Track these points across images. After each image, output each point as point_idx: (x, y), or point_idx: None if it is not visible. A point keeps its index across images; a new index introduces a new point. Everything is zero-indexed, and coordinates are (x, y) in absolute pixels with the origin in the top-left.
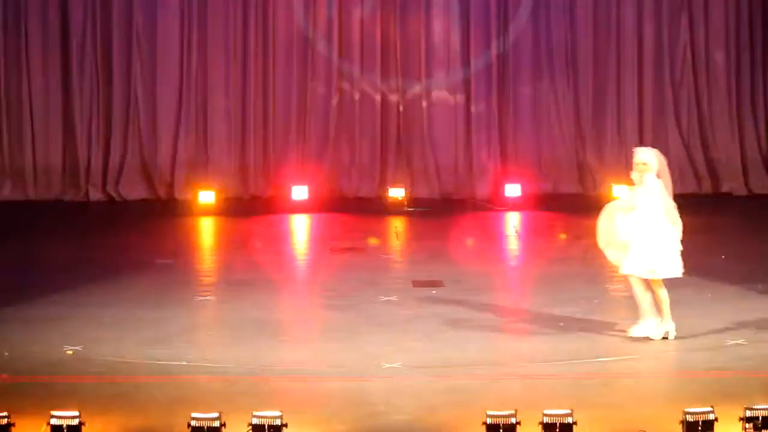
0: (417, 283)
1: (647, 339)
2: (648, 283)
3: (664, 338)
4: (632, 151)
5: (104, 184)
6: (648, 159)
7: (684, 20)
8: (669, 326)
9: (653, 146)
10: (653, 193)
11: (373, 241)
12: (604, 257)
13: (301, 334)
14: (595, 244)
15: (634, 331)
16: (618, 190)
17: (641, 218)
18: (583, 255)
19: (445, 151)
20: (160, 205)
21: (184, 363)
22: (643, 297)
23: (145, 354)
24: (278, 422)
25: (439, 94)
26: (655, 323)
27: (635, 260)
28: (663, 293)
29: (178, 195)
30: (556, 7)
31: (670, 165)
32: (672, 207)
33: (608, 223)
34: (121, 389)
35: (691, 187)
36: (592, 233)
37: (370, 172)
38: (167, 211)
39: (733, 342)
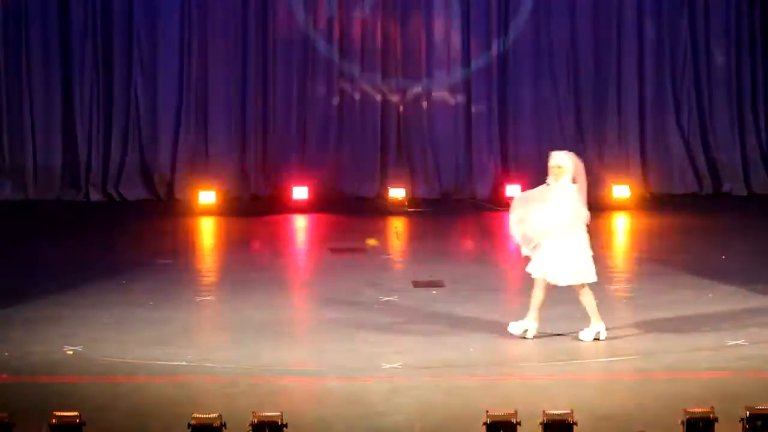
0: (417, 284)
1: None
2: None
3: (595, 339)
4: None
5: (104, 184)
6: (564, 163)
7: (685, 20)
8: (598, 327)
9: (654, 146)
10: (566, 196)
11: (371, 242)
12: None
13: (301, 334)
14: None
15: (513, 326)
16: (618, 190)
17: (550, 221)
18: None
19: (446, 151)
20: (160, 206)
21: (185, 363)
22: (535, 297)
23: (146, 354)
24: (278, 422)
25: (440, 94)
26: (531, 326)
27: (539, 264)
28: (585, 298)
29: (178, 195)
30: (556, 7)
31: (670, 164)
32: (583, 212)
33: (522, 213)
34: (121, 389)
35: (691, 187)
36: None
37: (370, 172)
38: (167, 212)
39: (734, 342)
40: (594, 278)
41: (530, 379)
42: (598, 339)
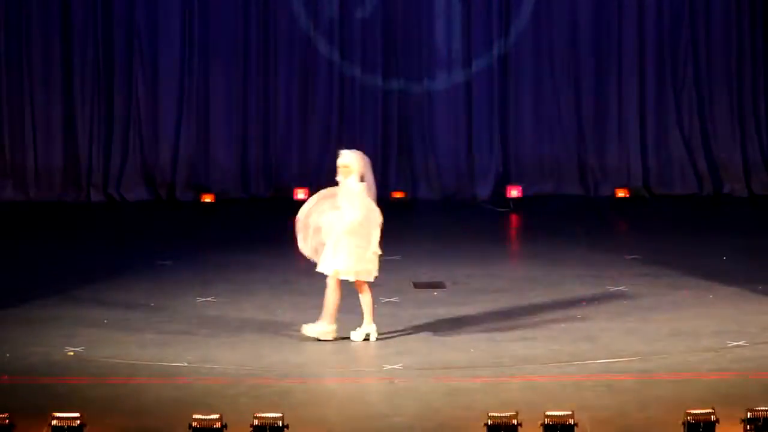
0: (418, 285)
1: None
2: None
3: (365, 339)
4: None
5: (105, 184)
6: (350, 161)
7: (685, 21)
8: (369, 328)
9: (655, 147)
10: (352, 195)
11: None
12: None
13: (302, 335)
14: None
15: (306, 329)
16: (619, 192)
17: (336, 219)
18: None
19: (447, 153)
20: (161, 207)
21: (185, 364)
22: (329, 298)
23: (146, 355)
24: (279, 424)
25: (441, 94)
26: (327, 329)
27: (326, 260)
28: (363, 297)
29: (179, 196)
30: (557, 8)
31: (671, 165)
32: (372, 211)
33: (312, 214)
34: (122, 390)
35: (692, 188)
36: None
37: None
38: (168, 212)
39: (735, 343)
40: (372, 278)
41: (531, 381)
42: (368, 339)
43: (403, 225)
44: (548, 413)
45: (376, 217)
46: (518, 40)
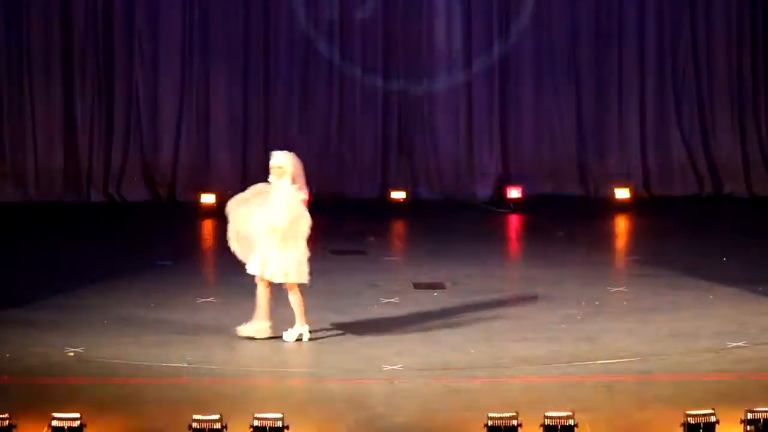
0: (418, 285)
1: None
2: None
3: (298, 340)
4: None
5: (105, 185)
6: (283, 163)
7: (686, 21)
8: (302, 329)
9: (655, 148)
10: (284, 197)
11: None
12: None
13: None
14: None
15: (242, 330)
16: (619, 191)
17: (267, 222)
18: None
19: (447, 153)
20: (162, 207)
21: (185, 365)
22: (260, 297)
23: (146, 356)
24: (279, 424)
25: (441, 95)
26: (263, 326)
27: (257, 261)
28: (294, 298)
29: (179, 197)
30: (557, 8)
31: (671, 166)
32: (301, 213)
33: (238, 215)
34: (122, 391)
35: (692, 189)
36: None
37: (371, 174)
38: (168, 213)
39: (735, 344)
40: (305, 279)
41: (531, 381)
42: (301, 340)
43: (403, 225)
44: (548, 414)
45: (305, 219)
46: (518, 40)
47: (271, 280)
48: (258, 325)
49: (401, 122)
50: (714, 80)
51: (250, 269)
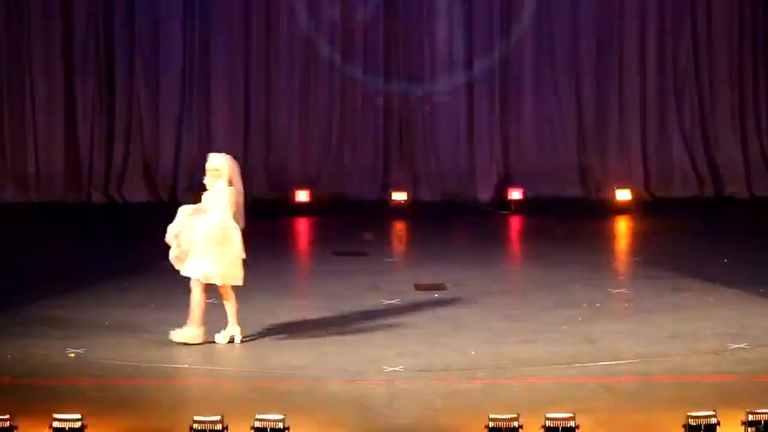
0: (419, 287)
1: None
2: (223, 289)
3: (230, 342)
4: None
5: (106, 186)
6: (219, 165)
7: (687, 23)
8: (234, 331)
9: (656, 149)
10: (220, 199)
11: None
12: None
13: (303, 337)
14: None
15: (174, 335)
16: (620, 193)
17: (203, 223)
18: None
19: (448, 155)
20: (163, 208)
21: (186, 366)
22: (194, 302)
23: (147, 357)
24: (280, 425)
25: (442, 97)
26: (196, 332)
27: (192, 264)
28: (228, 301)
29: (180, 198)
30: (558, 10)
31: (672, 167)
32: (236, 215)
33: (183, 222)
34: (123, 392)
35: (693, 191)
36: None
37: (372, 175)
38: (169, 214)
39: (736, 346)
40: (241, 282)
41: (532, 382)
42: (233, 342)
43: (404, 227)
44: (549, 415)
45: (240, 221)
46: (519, 42)
47: (207, 283)
48: (191, 331)
49: (402, 124)
50: (715, 81)
51: (187, 272)
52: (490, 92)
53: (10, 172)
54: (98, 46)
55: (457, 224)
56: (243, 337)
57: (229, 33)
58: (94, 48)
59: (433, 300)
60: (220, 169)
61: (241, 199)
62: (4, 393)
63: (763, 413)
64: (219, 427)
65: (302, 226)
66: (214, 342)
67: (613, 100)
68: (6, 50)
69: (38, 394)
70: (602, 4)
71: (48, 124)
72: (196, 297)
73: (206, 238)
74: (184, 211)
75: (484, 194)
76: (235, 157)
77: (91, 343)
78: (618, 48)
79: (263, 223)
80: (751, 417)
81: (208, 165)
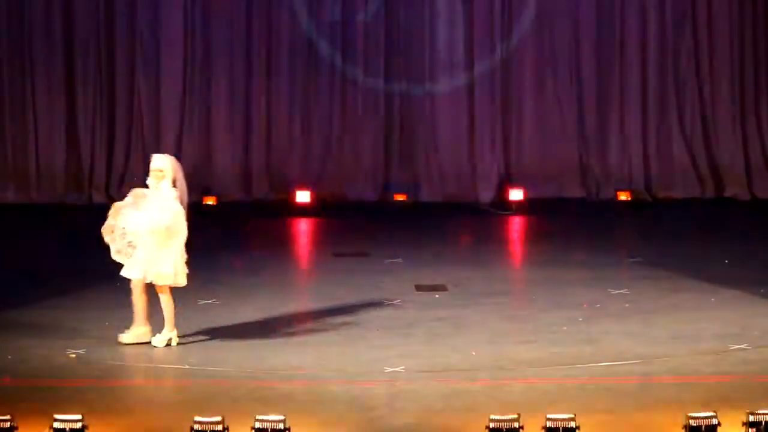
0: (420, 288)
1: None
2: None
3: (167, 345)
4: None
5: (107, 187)
6: (163, 166)
7: (687, 24)
8: (171, 334)
9: (657, 150)
10: (165, 200)
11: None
12: None
13: (304, 337)
14: None
15: (123, 337)
16: (621, 195)
17: (146, 223)
18: None
19: (449, 155)
20: None
21: (187, 366)
22: (137, 302)
23: (148, 357)
24: (281, 426)
25: (443, 97)
26: (143, 330)
27: (133, 264)
28: (166, 303)
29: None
30: (559, 11)
31: (673, 168)
32: (181, 216)
33: (118, 220)
34: (124, 393)
35: (694, 192)
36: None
37: (373, 176)
38: None
39: (737, 347)
40: (184, 282)
41: (533, 383)
42: (170, 345)
43: (405, 228)
44: (550, 416)
45: (183, 222)
46: (520, 43)
47: (150, 282)
48: (138, 331)
49: (403, 124)
50: (716, 82)
51: (128, 273)
52: (490, 93)
53: (11, 172)
54: (99, 46)
55: (458, 225)
56: (180, 340)
57: (230, 34)
58: (95, 48)
59: (433, 301)
60: (164, 170)
61: (185, 198)
62: (5, 394)
63: (763, 414)
64: (219, 427)
65: (303, 226)
66: (152, 345)
67: (613, 100)
68: (7, 51)
69: (39, 394)
70: (603, 5)
71: (49, 124)
72: (138, 297)
73: (148, 237)
74: (115, 208)
75: (485, 195)
76: (235, 158)
77: (91, 344)
78: (619, 48)
79: (264, 224)
80: (751, 418)
81: (152, 166)
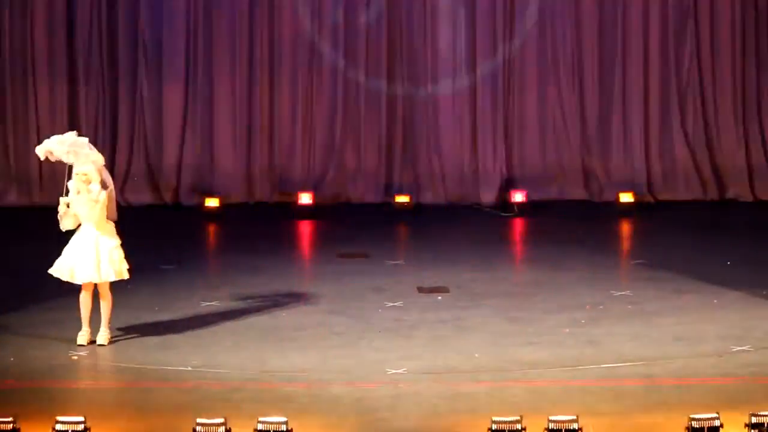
0: (422, 290)
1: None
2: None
3: (100, 345)
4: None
5: None
6: (87, 170)
7: (690, 26)
8: (103, 333)
9: (659, 152)
10: (97, 202)
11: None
12: None
13: (306, 339)
14: None
15: (79, 339)
16: (623, 196)
17: (82, 227)
18: None
19: (451, 157)
20: (166, 211)
21: (189, 368)
22: (85, 303)
23: (150, 359)
24: (283, 428)
25: (445, 100)
26: (87, 330)
27: (86, 268)
28: (107, 298)
29: (183, 201)
30: (561, 14)
31: (675, 170)
32: (111, 213)
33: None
34: (126, 395)
35: (696, 193)
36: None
37: (375, 178)
38: (172, 217)
39: (739, 348)
40: (126, 276)
41: (536, 385)
42: (103, 345)
43: (408, 230)
44: (552, 418)
45: (113, 215)
46: (522, 44)
47: (105, 281)
48: (85, 332)
49: (405, 126)
50: (718, 84)
51: (82, 278)
52: (493, 94)
53: (13, 174)
54: (101, 49)
55: (461, 227)
56: (111, 340)
57: (232, 36)
58: (97, 51)
59: (436, 303)
60: (88, 173)
61: (114, 195)
62: (7, 396)
63: (766, 415)
64: (222, 429)
65: (305, 229)
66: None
67: (616, 102)
68: (9, 53)
69: (41, 396)
70: (605, 8)
71: (51, 126)
72: (86, 298)
73: (87, 239)
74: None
75: (488, 196)
76: (238, 160)
77: (93, 345)
78: (621, 51)
79: (267, 227)
80: (754, 419)
81: (76, 170)
